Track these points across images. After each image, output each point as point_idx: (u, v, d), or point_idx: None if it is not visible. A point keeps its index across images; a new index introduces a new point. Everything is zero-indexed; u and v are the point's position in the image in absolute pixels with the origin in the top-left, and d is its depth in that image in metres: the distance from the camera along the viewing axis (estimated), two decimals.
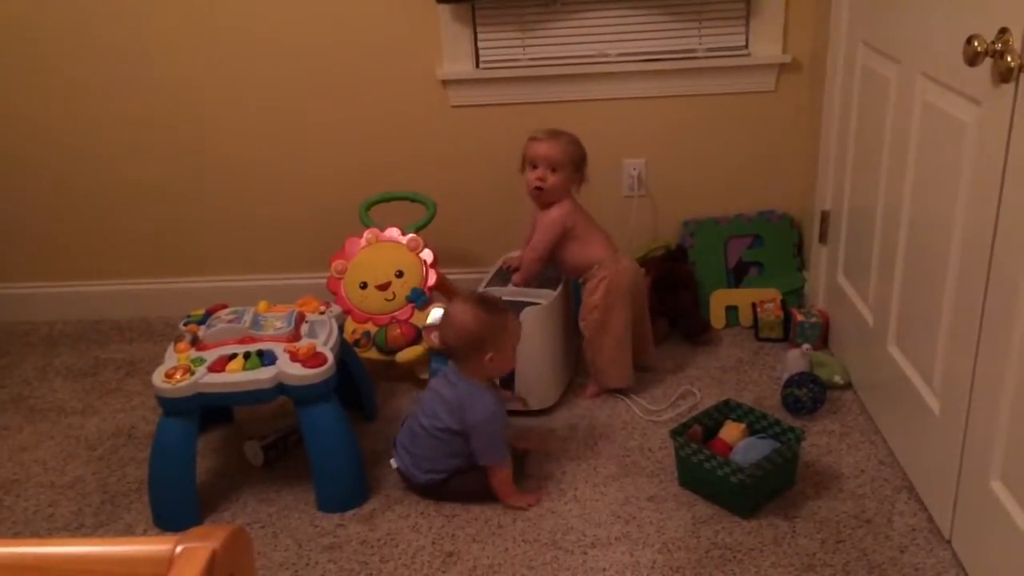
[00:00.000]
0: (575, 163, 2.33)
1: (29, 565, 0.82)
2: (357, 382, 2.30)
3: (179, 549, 0.76)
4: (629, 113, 2.72)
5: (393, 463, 2.06)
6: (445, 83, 2.70)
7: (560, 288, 2.37)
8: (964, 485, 1.71)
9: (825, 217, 2.52)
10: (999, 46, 1.47)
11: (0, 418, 2.49)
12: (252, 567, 0.83)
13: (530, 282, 2.39)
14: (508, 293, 2.35)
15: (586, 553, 1.86)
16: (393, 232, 2.56)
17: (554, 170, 2.30)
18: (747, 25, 2.63)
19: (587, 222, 2.38)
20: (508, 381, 2.25)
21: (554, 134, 2.33)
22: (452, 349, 2.01)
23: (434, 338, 2.41)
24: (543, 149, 2.30)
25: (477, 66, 2.70)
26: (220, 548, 0.76)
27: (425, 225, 2.62)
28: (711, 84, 2.67)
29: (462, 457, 1.99)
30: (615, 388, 2.40)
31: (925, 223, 1.86)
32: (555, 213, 2.34)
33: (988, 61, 1.50)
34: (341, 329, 2.20)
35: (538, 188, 2.32)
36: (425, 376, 2.46)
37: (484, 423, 1.96)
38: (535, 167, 2.31)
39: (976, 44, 1.49)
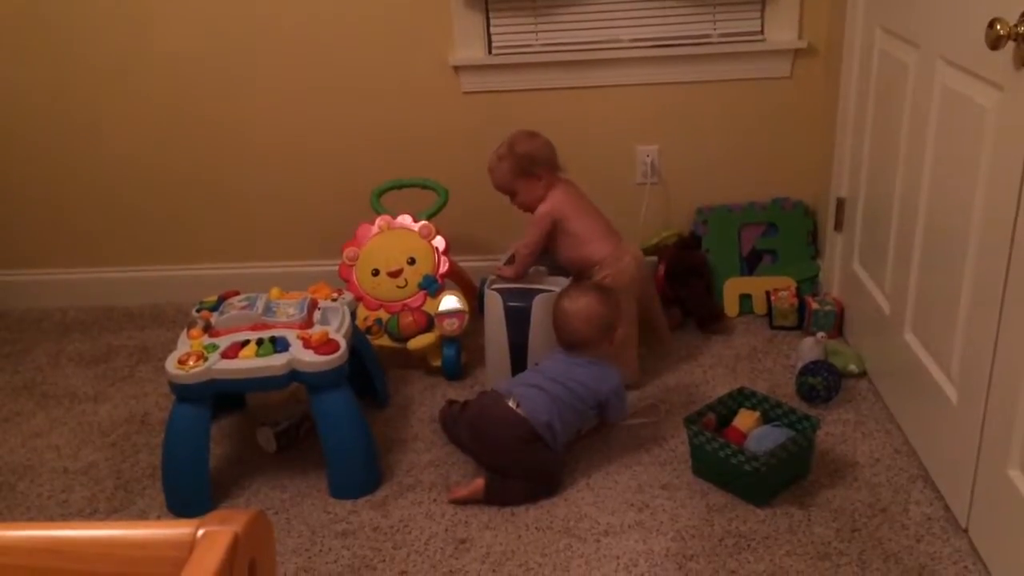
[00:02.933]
0: (518, 178, 2.35)
1: (47, 548, 0.81)
2: (369, 369, 2.30)
3: (200, 533, 0.76)
4: (642, 99, 2.70)
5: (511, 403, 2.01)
6: (457, 69, 2.69)
7: (572, 277, 2.36)
8: (981, 474, 1.70)
9: (841, 204, 2.50)
10: (1022, 29, 1.45)
11: (13, 404, 2.50)
12: (273, 551, 0.83)
13: (523, 276, 2.37)
14: (522, 281, 2.34)
15: (599, 541, 1.85)
16: (405, 219, 2.55)
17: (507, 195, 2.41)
18: (762, 10, 2.60)
19: (584, 215, 2.34)
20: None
21: (490, 165, 2.38)
22: (584, 339, 2.07)
23: (447, 326, 2.40)
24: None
25: (489, 52, 2.69)
26: (242, 532, 0.75)
27: (437, 212, 2.61)
28: (726, 70, 2.65)
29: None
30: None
31: (944, 210, 1.84)
32: (541, 209, 2.35)
33: (1010, 45, 1.48)
34: (353, 316, 2.19)
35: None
36: (437, 363, 2.45)
37: (616, 391, 2.08)
38: None
39: (998, 27, 1.46)
